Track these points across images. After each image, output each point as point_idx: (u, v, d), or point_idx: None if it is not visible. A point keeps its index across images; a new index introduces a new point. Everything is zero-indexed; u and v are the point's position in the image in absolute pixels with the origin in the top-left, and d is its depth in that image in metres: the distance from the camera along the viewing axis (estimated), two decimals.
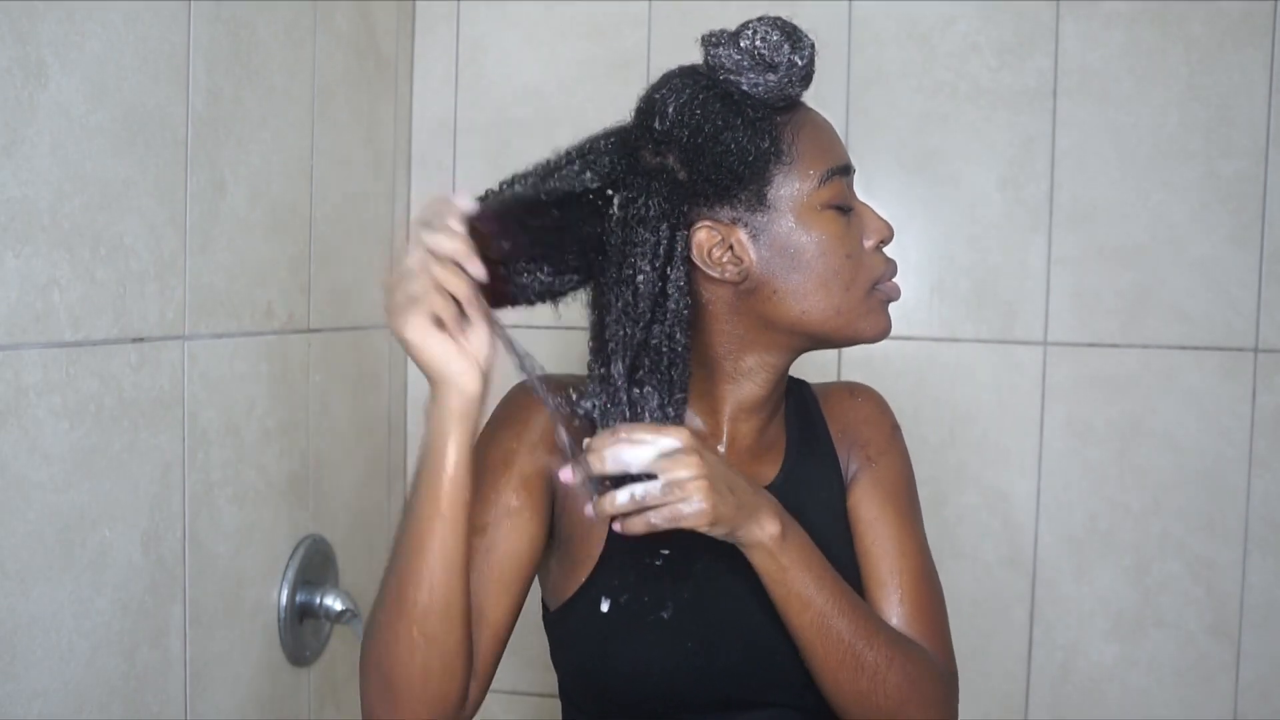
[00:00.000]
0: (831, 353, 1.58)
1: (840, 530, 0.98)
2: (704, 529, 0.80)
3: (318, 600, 1.31)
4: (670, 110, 0.86)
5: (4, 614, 0.83)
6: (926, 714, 0.89)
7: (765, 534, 0.83)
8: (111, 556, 0.96)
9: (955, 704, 0.94)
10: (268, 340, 1.23)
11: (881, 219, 0.92)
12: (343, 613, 1.31)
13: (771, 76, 0.86)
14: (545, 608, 0.98)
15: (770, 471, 0.97)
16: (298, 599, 1.28)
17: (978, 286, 1.56)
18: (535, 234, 0.83)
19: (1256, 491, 1.51)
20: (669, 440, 0.79)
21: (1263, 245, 1.49)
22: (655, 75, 0.91)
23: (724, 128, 0.85)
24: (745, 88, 0.86)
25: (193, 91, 1.07)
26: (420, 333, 0.75)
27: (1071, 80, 1.53)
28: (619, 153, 0.89)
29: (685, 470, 0.78)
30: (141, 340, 1.00)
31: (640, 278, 0.85)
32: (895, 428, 1.05)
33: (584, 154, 0.89)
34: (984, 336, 1.57)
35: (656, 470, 0.79)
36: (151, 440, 1.01)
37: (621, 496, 0.79)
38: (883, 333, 0.92)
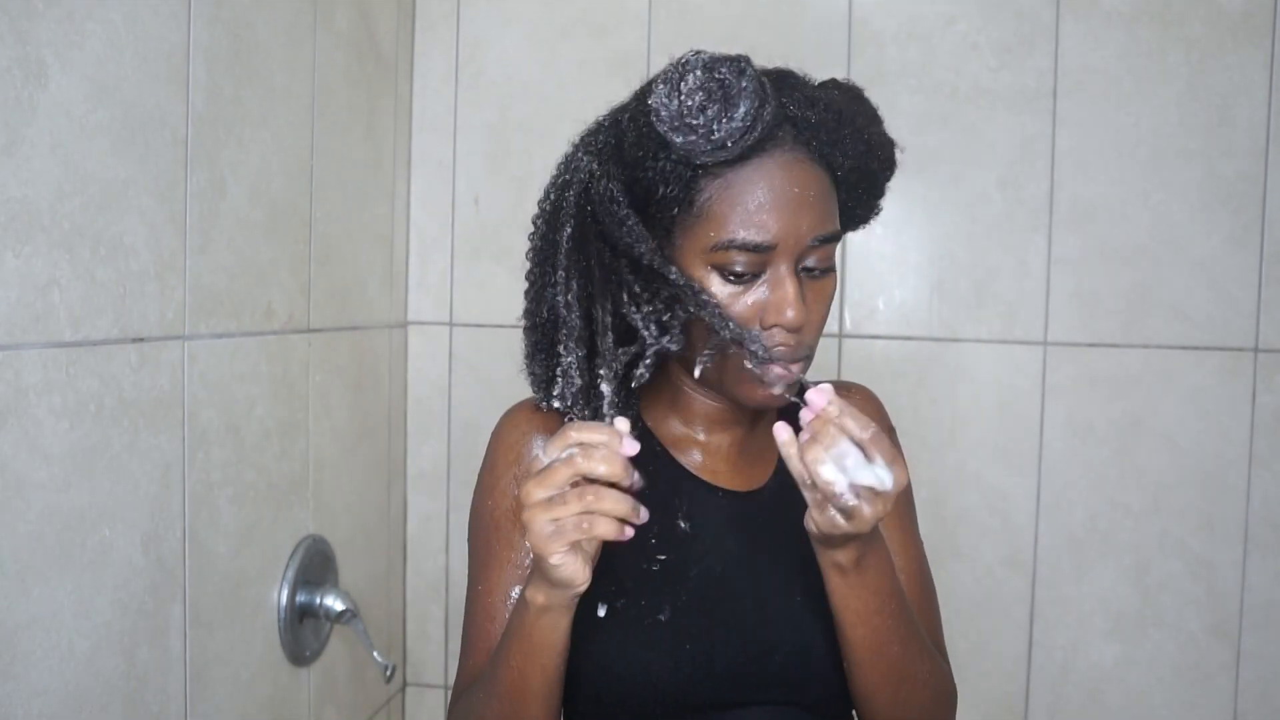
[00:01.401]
0: (831, 351, 1.58)
1: None
2: (873, 520, 0.78)
3: (318, 600, 1.31)
4: (625, 117, 0.88)
5: (4, 614, 0.83)
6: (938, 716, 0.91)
7: (845, 556, 0.82)
8: (111, 556, 0.96)
9: (955, 710, 0.96)
10: (268, 340, 1.23)
11: (792, 302, 0.84)
12: (343, 613, 1.31)
13: (678, 139, 0.81)
14: None
15: (762, 476, 0.97)
16: (298, 599, 1.28)
17: (978, 286, 1.56)
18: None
19: (1256, 491, 1.51)
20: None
21: (1263, 245, 1.50)
22: (655, 74, 0.90)
23: (643, 158, 0.85)
24: (660, 133, 0.82)
25: (193, 91, 1.06)
26: (564, 558, 0.76)
27: (1071, 80, 1.53)
28: (612, 130, 0.91)
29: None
30: (141, 340, 0.99)
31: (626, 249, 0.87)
32: (891, 430, 1.04)
33: (588, 147, 0.91)
34: (984, 336, 1.57)
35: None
36: (151, 440, 1.01)
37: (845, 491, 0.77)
38: (761, 404, 0.89)
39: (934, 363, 1.58)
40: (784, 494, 0.94)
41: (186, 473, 1.07)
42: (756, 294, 0.85)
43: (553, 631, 0.82)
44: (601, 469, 0.74)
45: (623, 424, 0.77)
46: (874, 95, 1.55)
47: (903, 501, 1.01)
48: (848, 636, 0.86)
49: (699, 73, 0.80)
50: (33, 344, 0.86)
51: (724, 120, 0.80)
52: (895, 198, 1.58)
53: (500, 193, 1.66)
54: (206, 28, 1.08)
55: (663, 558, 0.91)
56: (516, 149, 1.65)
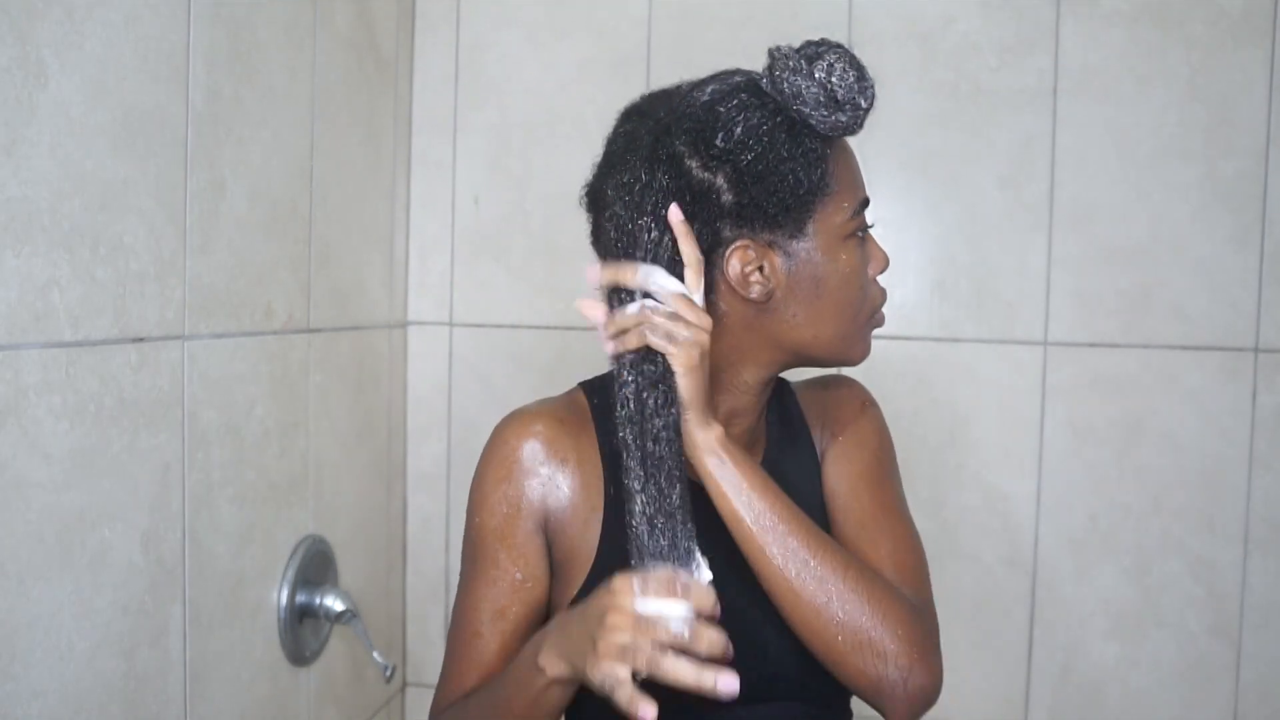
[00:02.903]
0: None
1: (819, 514, 0.99)
2: (681, 369, 0.84)
3: (318, 600, 1.31)
4: (738, 130, 0.85)
5: (4, 614, 0.83)
6: (895, 632, 0.86)
7: (713, 431, 0.86)
8: (111, 556, 0.96)
9: (934, 650, 0.90)
10: (268, 340, 1.23)
11: (882, 249, 0.95)
12: (342, 613, 1.31)
13: (842, 117, 0.86)
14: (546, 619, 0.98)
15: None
16: (298, 599, 1.28)
17: (978, 286, 1.56)
18: None
19: (1256, 491, 1.51)
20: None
21: (1263, 245, 1.50)
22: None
23: (786, 158, 0.86)
24: (813, 122, 0.86)
25: (192, 91, 1.06)
26: (623, 673, 0.77)
27: (1071, 80, 1.53)
28: (669, 175, 0.86)
29: (693, 316, 0.84)
30: (141, 340, 0.99)
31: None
32: (866, 404, 1.05)
33: (655, 211, 0.86)
34: (984, 336, 1.57)
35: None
36: (151, 440, 1.01)
37: (633, 307, 0.84)
38: (866, 356, 0.96)
39: (934, 363, 1.58)
40: (778, 485, 0.95)
41: (186, 473, 1.07)
42: (865, 253, 0.93)
43: (560, 701, 0.85)
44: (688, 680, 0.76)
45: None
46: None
47: (873, 465, 1.00)
48: (738, 535, 0.86)
49: (831, 55, 0.85)
50: (33, 344, 0.86)
51: (868, 89, 0.86)
52: (895, 198, 1.59)
53: (500, 193, 1.66)
54: (206, 28, 1.08)
55: None
56: (516, 149, 1.65)
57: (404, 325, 1.68)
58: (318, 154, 1.34)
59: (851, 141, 0.93)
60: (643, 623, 0.77)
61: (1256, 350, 1.50)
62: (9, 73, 0.82)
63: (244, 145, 1.16)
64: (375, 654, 1.34)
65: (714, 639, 0.77)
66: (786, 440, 1.01)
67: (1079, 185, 1.54)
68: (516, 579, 0.93)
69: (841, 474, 1.00)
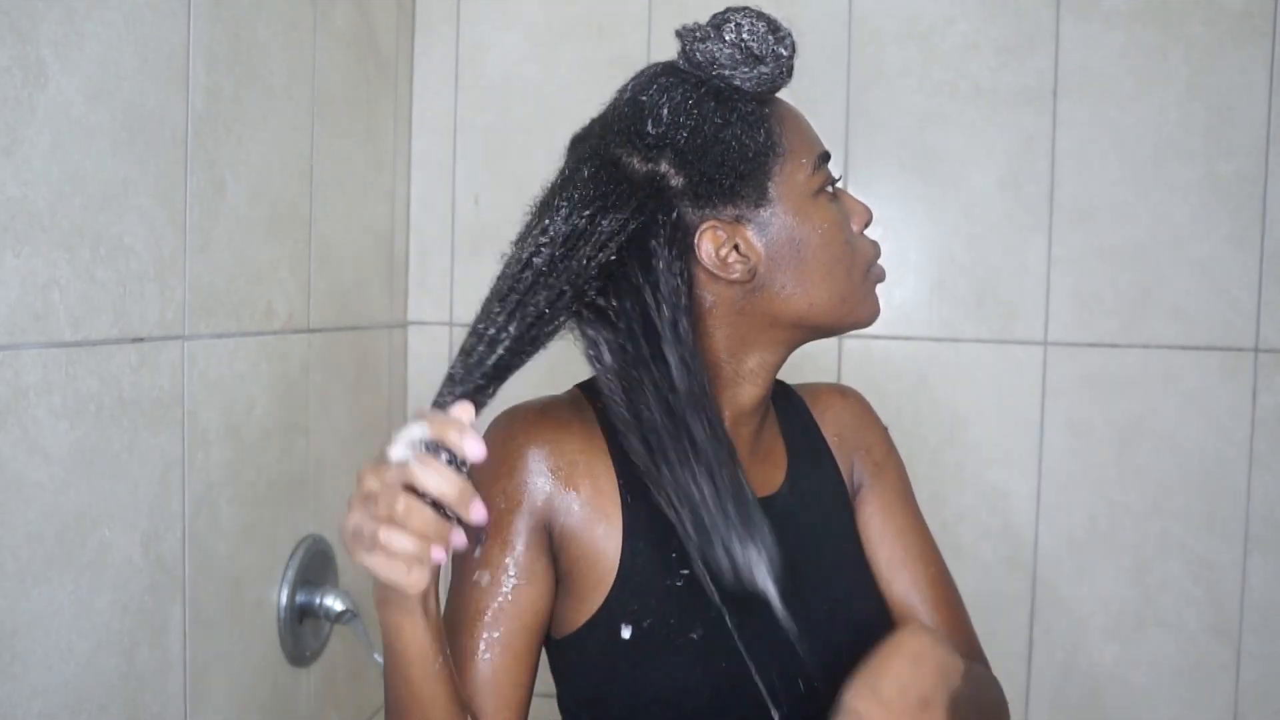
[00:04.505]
0: (832, 351, 1.58)
1: (847, 537, 0.97)
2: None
3: (318, 600, 1.31)
4: (665, 113, 0.84)
5: (4, 614, 0.83)
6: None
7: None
8: (111, 556, 0.96)
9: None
10: (268, 340, 1.23)
11: (860, 202, 0.92)
12: (343, 613, 1.31)
13: (764, 69, 0.84)
14: (547, 636, 0.92)
15: (775, 478, 0.94)
16: (298, 599, 1.28)
17: (978, 286, 1.56)
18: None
19: (1256, 491, 1.51)
20: None
21: (1263, 245, 1.50)
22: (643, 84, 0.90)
23: (723, 125, 0.83)
24: (738, 82, 0.84)
25: (192, 91, 1.06)
26: (372, 560, 0.71)
27: (1071, 80, 1.53)
28: (602, 172, 0.85)
29: None
30: (141, 340, 0.99)
31: (664, 290, 0.82)
32: (886, 429, 1.05)
33: (571, 200, 0.84)
34: (984, 336, 1.57)
35: None
36: (151, 440, 1.01)
37: None
38: (876, 315, 0.92)
39: (934, 363, 1.58)
40: (797, 498, 0.93)
41: (186, 473, 1.07)
42: (843, 209, 0.90)
43: (396, 636, 0.75)
44: (432, 486, 0.69)
45: (466, 411, 0.72)
46: (874, 95, 1.56)
47: (911, 503, 1.01)
48: None
49: (737, 15, 0.85)
50: (33, 344, 0.86)
51: (785, 38, 0.85)
52: (895, 198, 1.59)
53: (500, 193, 1.65)
54: (206, 28, 1.08)
55: (685, 572, 0.86)
56: (516, 149, 1.65)
57: (404, 325, 1.68)
58: (318, 154, 1.34)
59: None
60: (381, 468, 0.71)
61: (1256, 350, 1.50)
62: (9, 73, 0.82)
63: (244, 145, 1.16)
64: (375, 654, 1.34)
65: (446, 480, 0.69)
66: (808, 459, 0.97)
67: (1079, 185, 1.54)
68: (511, 579, 0.86)
69: (889, 512, 0.99)
